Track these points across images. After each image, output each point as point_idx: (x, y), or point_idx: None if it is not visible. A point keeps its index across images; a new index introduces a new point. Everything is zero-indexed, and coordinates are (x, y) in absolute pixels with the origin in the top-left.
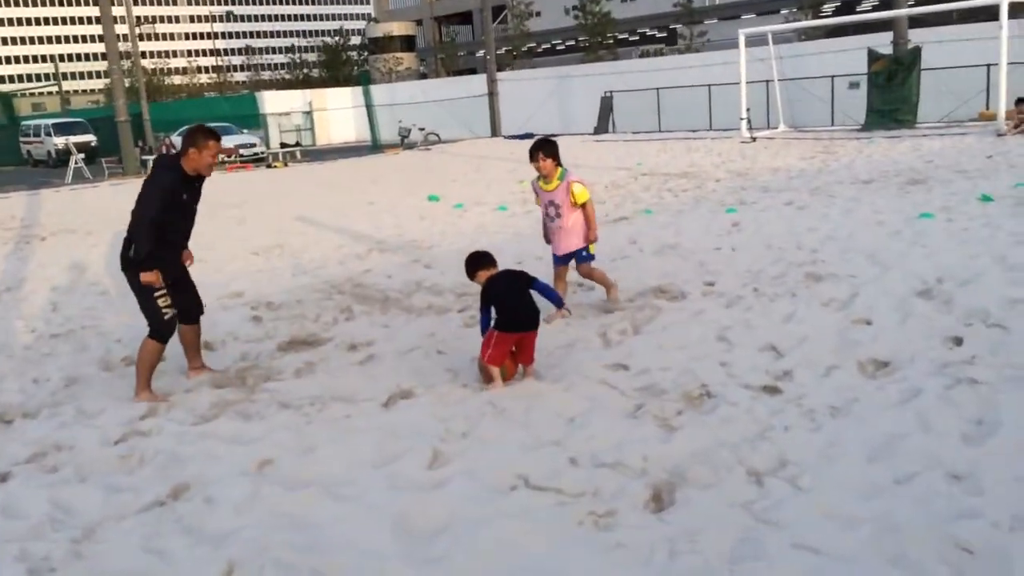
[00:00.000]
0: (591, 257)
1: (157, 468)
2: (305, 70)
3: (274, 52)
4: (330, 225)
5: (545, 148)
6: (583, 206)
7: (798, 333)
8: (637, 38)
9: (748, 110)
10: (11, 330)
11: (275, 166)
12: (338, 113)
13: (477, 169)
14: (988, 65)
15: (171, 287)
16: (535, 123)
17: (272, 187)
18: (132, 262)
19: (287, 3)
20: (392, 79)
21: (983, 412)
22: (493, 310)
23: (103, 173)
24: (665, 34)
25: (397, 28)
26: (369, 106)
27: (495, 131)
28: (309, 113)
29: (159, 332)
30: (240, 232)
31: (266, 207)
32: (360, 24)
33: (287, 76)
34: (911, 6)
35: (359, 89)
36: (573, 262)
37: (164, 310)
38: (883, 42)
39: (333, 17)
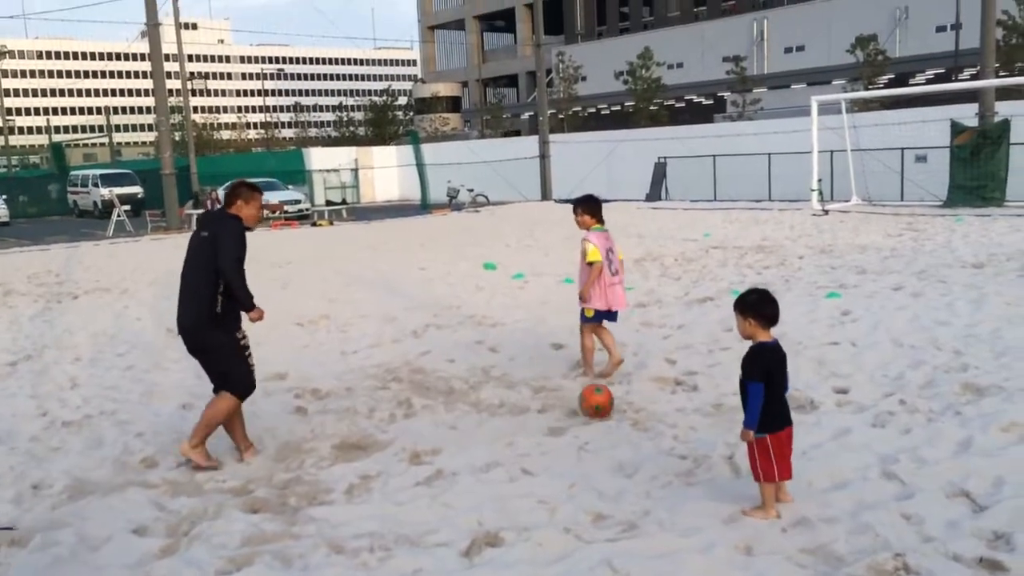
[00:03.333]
0: (588, 320)
1: None
2: (352, 128)
3: (322, 110)
4: (380, 293)
5: (582, 204)
6: (589, 265)
7: (989, 472)
8: (684, 105)
9: (820, 180)
10: (21, 412)
11: (320, 224)
12: (383, 171)
13: (531, 234)
14: None
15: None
16: (585, 187)
17: (318, 247)
18: (219, 318)
19: (337, 63)
20: (437, 139)
21: None
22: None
23: (146, 226)
24: (712, 101)
25: (444, 89)
26: (420, 165)
27: (546, 194)
28: (355, 170)
29: (243, 388)
30: (283, 297)
31: (311, 270)
32: (407, 85)
33: (334, 133)
34: (1000, 77)
35: (404, 148)
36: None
37: (251, 369)
38: (965, 114)
39: (381, 78)
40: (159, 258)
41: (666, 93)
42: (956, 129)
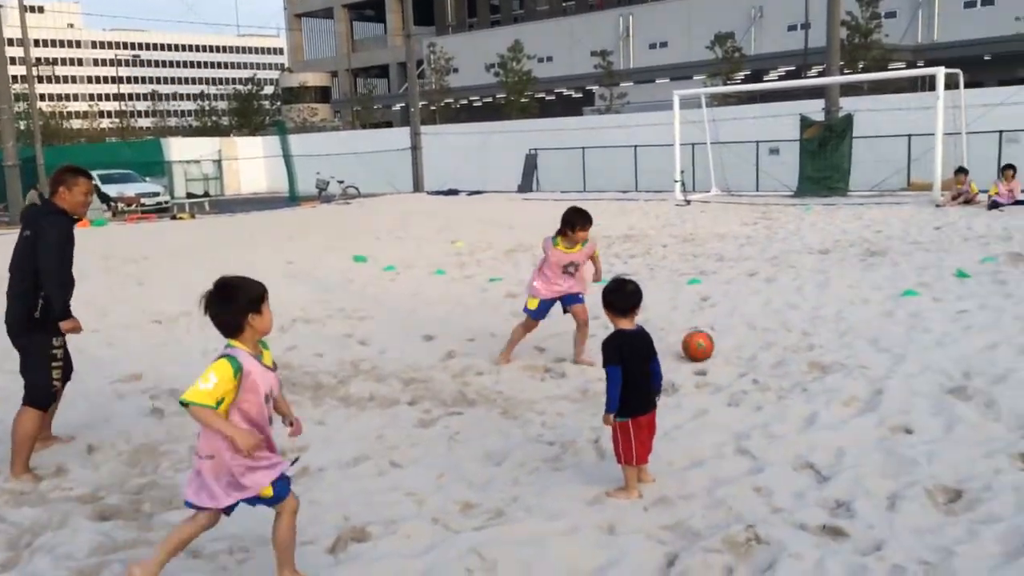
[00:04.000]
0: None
1: None
2: (215, 117)
3: (182, 99)
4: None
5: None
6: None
7: (831, 444)
8: (554, 98)
9: (683, 172)
10: None
11: (181, 217)
12: (249, 163)
13: (403, 226)
14: (910, 135)
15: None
16: (457, 179)
17: (178, 242)
18: (37, 322)
19: (198, 50)
20: (306, 130)
21: None
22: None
23: None
24: (582, 95)
25: (312, 79)
26: (287, 156)
27: (418, 186)
28: (218, 162)
29: (43, 402)
30: (139, 294)
31: (170, 265)
32: (274, 74)
33: (195, 123)
34: (844, 74)
35: (271, 138)
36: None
37: (55, 381)
38: (813, 109)
39: (245, 66)
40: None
41: (536, 86)
42: (804, 123)
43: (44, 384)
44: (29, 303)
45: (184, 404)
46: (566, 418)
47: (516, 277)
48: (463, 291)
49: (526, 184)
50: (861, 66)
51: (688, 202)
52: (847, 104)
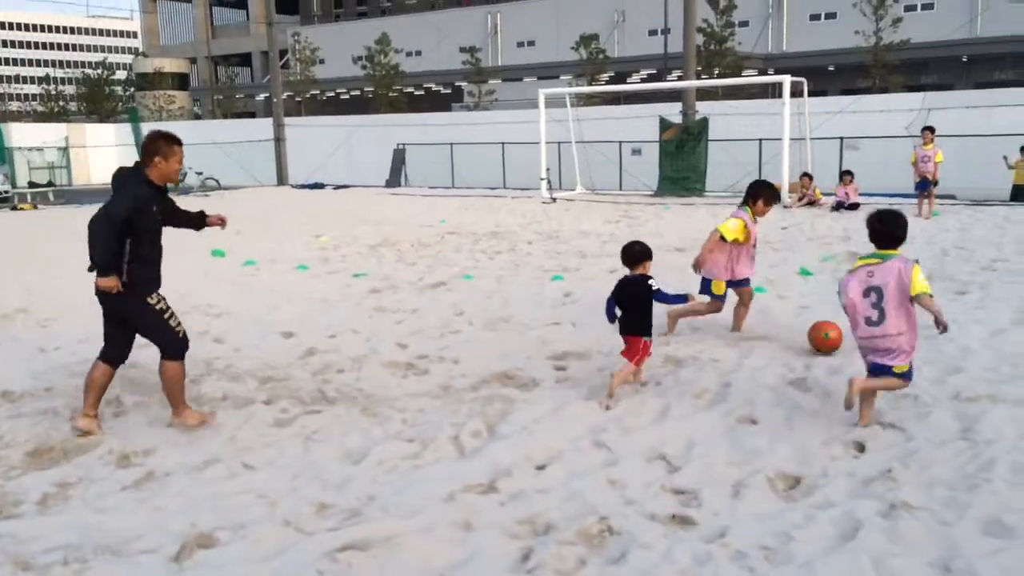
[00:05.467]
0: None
1: None
2: (61, 103)
3: (25, 82)
4: (90, 284)
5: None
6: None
7: (683, 436)
8: (423, 92)
9: (548, 170)
10: None
11: (22, 208)
12: (100, 151)
13: (265, 220)
14: (760, 140)
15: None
16: (324, 172)
17: (17, 234)
18: (127, 287)
19: (43, 30)
20: (163, 118)
21: (943, 553)
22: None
23: None
24: (450, 91)
25: (169, 65)
26: (139, 144)
27: (282, 179)
28: (65, 149)
29: (180, 352)
30: None
31: (7, 258)
32: (127, 58)
33: (40, 108)
34: (700, 79)
35: (124, 126)
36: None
37: (178, 328)
38: (672, 111)
39: (95, 48)
40: None
41: (404, 80)
42: (663, 125)
43: (172, 337)
44: (118, 272)
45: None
46: (428, 415)
47: (381, 272)
48: (326, 287)
49: (394, 179)
50: (716, 72)
51: (554, 200)
52: (703, 108)
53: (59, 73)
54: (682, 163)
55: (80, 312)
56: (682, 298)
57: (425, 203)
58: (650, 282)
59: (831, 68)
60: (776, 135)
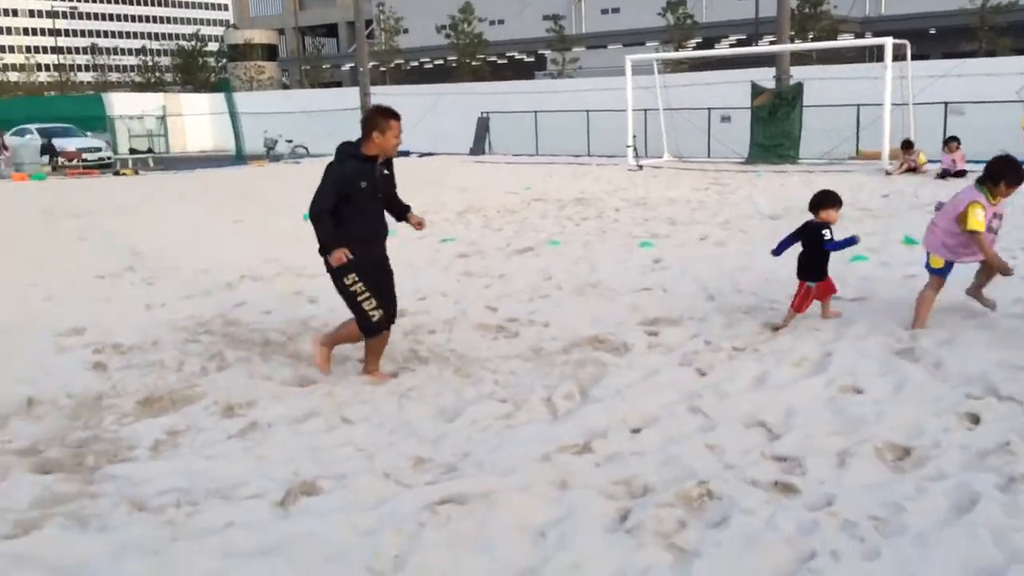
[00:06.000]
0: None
1: None
2: (158, 73)
3: (123, 53)
4: (191, 245)
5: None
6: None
7: (782, 403)
8: (506, 61)
9: (635, 137)
10: None
11: (124, 173)
12: (194, 120)
13: None
14: (858, 105)
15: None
16: (409, 140)
17: (121, 198)
18: (326, 263)
19: (139, 3)
20: (252, 88)
21: None
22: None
23: None
24: (533, 59)
25: (258, 36)
26: (233, 113)
27: None
28: (162, 118)
29: (369, 331)
30: (81, 250)
31: (113, 221)
32: (218, 30)
33: (138, 79)
34: (794, 43)
35: (217, 96)
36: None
37: (372, 312)
38: (764, 77)
39: (189, 21)
40: None
41: (488, 49)
42: (755, 91)
43: (362, 319)
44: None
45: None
46: (519, 376)
47: (468, 238)
48: (414, 252)
49: (478, 147)
50: (811, 36)
51: (640, 167)
52: (797, 73)
53: (155, 45)
54: (775, 130)
55: (182, 270)
56: (850, 241)
57: (509, 170)
58: (824, 231)
59: (932, 31)
60: (874, 100)
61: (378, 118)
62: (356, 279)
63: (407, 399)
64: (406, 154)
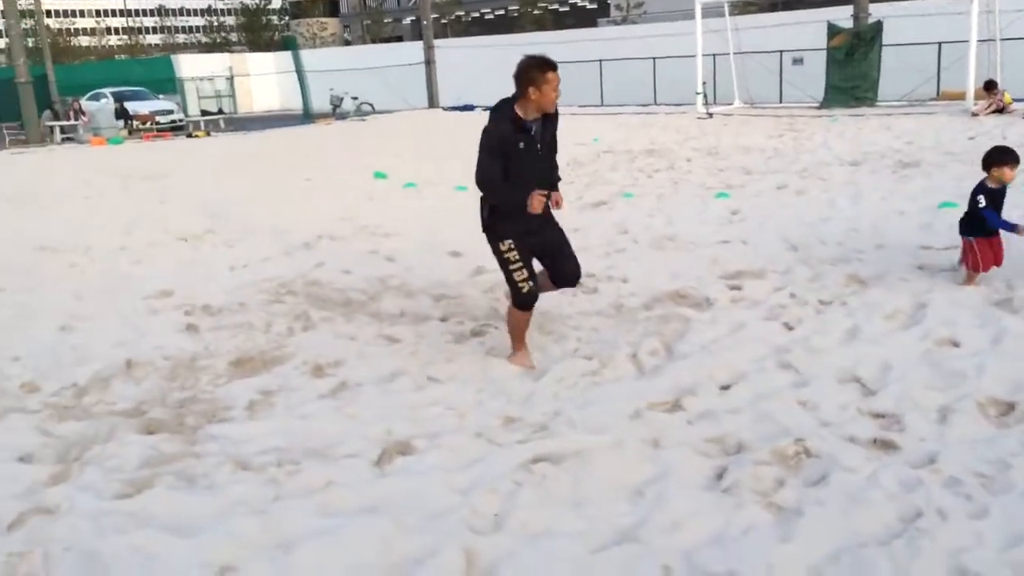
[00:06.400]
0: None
1: None
2: (224, 33)
3: (189, 14)
4: (266, 206)
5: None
6: None
7: (876, 358)
8: (568, 8)
9: (704, 84)
10: None
11: (197, 135)
12: (260, 79)
13: (420, 143)
14: (940, 43)
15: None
16: (472, 94)
17: (195, 160)
18: (488, 227)
19: None
20: (316, 45)
21: None
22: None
23: (3, 140)
24: (596, 5)
25: None
26: (300, 72)
27: (433, 102)
28: (230, 78)
29: (519, 302)
30: (162, 212)
31: (190, 183)
32: None
33: (204, 39)
34: None
35: (282, 54)
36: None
37: (522, 283)
38: (840, 16)
39: None
40: (19, 174)
41: None
42: (832, 31)
43: (514, 287)
44: (481, 209)
45: None
46: (602, 333)
47: None
48: None
49: None
50: None
51: (710, 115)
52: (876, 11)
53: (220, 4)
54: (852, 71)
55: (260, 232)
56: (1009, 225)
57: (575, 121)
58: (979, 196)
59: None
60: (957, 37)
61: (533, 71)
62: (511, 246)
63: (491, 357)
64: (471, 108)
